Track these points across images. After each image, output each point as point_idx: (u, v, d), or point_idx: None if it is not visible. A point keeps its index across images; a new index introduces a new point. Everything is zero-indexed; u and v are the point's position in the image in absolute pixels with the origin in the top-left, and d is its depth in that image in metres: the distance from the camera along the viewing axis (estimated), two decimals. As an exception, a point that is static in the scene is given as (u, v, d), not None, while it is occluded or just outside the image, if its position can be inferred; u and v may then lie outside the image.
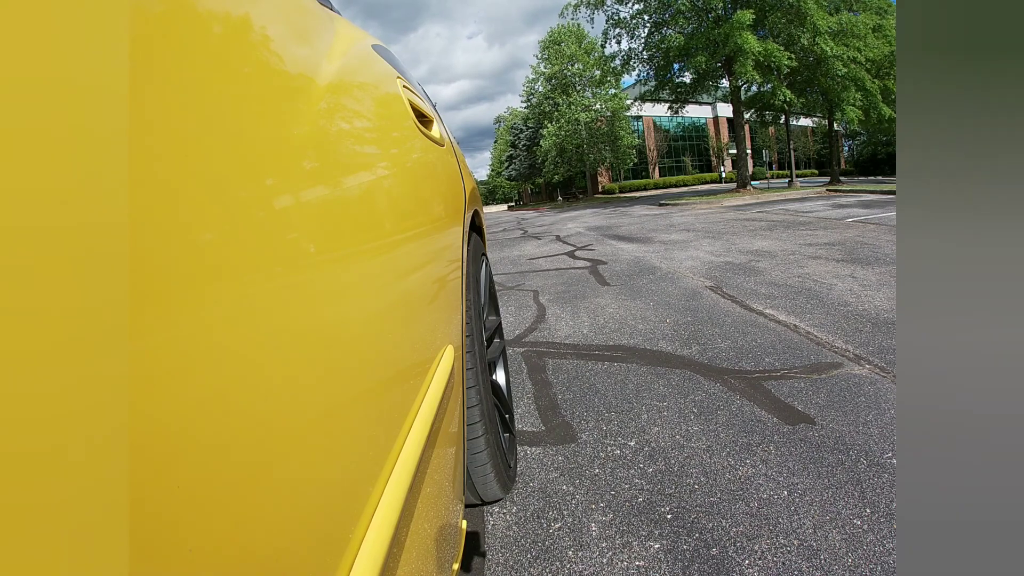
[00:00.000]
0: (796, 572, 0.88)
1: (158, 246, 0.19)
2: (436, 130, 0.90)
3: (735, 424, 1.39)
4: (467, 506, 1.10)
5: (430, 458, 0.48)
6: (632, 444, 1.35)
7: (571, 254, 5.35)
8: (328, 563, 0.27)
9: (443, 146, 0.93)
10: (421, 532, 0.44)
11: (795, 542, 0.95)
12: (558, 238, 7.21)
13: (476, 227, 1.22)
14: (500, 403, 1.17)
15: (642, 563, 0.93)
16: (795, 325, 2.17)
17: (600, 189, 31.09)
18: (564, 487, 1.19)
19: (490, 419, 0.93)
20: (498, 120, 44.02)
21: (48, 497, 0.14)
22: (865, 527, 0.96)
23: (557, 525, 1.06)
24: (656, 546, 0.97)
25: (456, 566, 0.60)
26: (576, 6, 16.85)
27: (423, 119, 0.81)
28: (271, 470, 0.24)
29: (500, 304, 3.20)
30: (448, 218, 0.80)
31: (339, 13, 0.70)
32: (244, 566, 0.21)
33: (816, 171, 36.07)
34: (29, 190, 0.14)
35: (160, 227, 0.19)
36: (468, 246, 0.98)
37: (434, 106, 1.11)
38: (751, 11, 12.78)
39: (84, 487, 0.15)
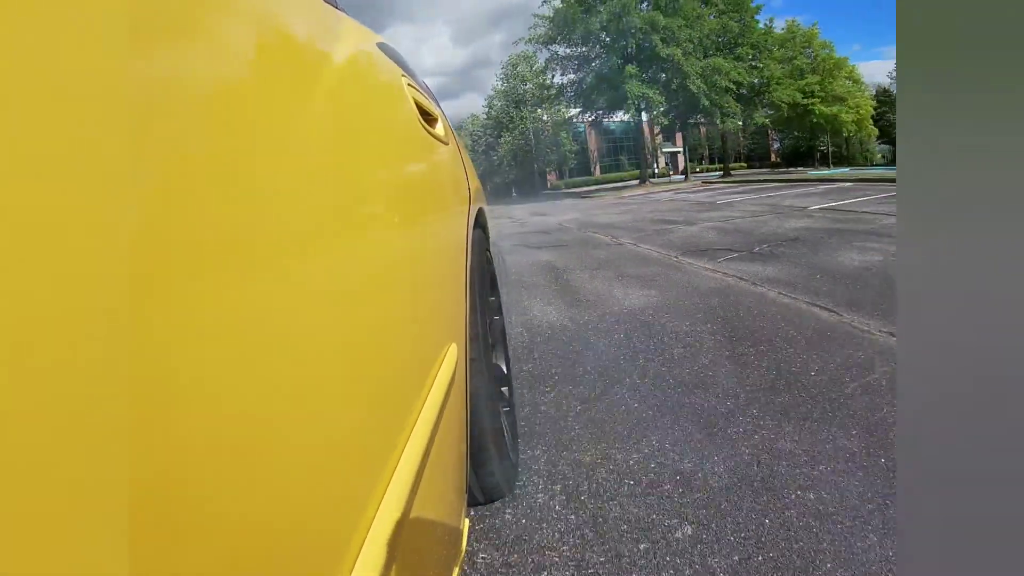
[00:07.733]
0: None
1: (161, 245, 0.19)
2: (441, 128, 0.89)
3: (586, 242, 6.06)
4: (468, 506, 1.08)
5: (433, 456, 0.47)
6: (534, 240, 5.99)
7: (510, 220, 10.04)
8: (330, 561, 0.27)
9: (448, 144, 0.93)
10: (424, 530, 0.44)
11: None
12: (508, 217, 12.09)
13: (480, 225, 1.21)
14: (503, 400, 1.20)
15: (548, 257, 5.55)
16: (597, 231, 6.88)
17: (548, 186, 36.12)
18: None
19: (492, 418, 0.93)
20: (459, 128, 47.53)
21: (49, 497, 0.14)
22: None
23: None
24: (546, 256, 5.59)
25: (458, 563, 0.60)
26: (528, 40, 21.91)
27: (428, 117, 0.80)
28: (274, 468, 0.24)
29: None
30: (452, 216, 0.79)
31: (344, 12, 0.68)
32: (246, 564, 0.21)
33: (746, 164, 38.07)
34: (30, 188, 0.14)
35: (163, 226, 0.19)
36: (472, 244, 0.98)
37: (439, 104, 1.11)
38: (634, 66, 18.46)
39: (85, 488, 0.15)
